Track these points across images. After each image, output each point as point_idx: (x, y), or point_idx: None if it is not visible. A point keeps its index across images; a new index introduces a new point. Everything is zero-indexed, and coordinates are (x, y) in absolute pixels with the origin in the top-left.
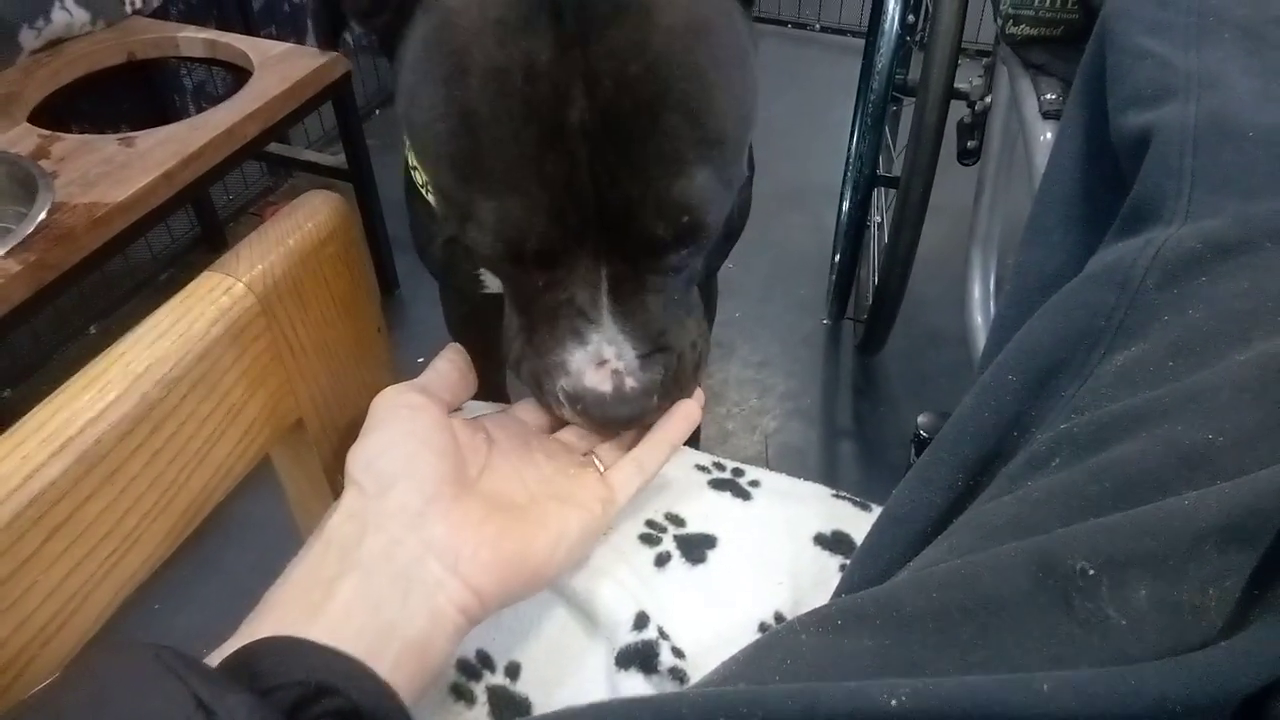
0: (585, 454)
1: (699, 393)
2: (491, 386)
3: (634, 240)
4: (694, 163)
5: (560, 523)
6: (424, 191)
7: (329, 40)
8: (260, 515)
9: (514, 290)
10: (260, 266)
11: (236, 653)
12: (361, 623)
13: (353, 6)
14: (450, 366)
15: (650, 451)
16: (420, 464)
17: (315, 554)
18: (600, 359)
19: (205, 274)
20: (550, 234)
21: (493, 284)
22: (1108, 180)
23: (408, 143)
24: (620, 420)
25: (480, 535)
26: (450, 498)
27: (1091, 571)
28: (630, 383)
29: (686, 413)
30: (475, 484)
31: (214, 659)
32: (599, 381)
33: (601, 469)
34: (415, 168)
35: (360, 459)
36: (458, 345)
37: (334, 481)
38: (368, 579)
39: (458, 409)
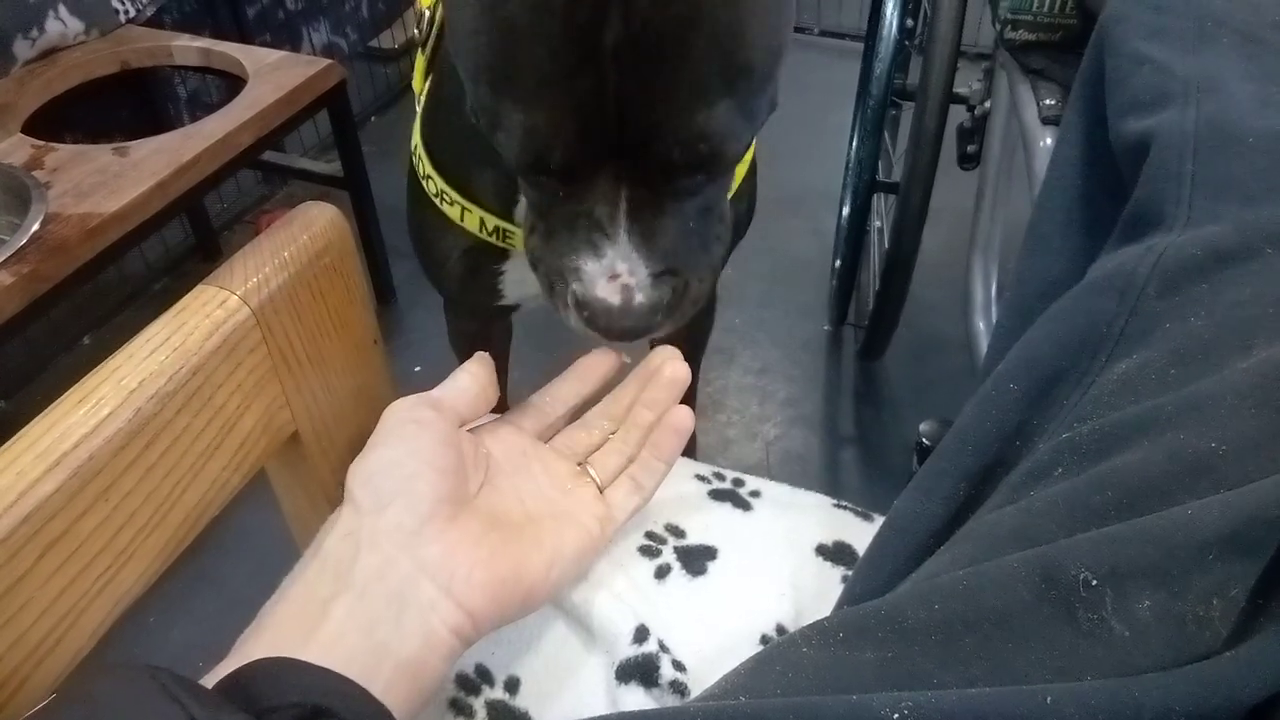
0: (580, 463)
1: (687, 411)
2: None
3: (652, 164)
4: (717, 92)
5: (556, 542)
6: (437, 200)
7: None
8: (255, 527)
9: (536, 195)
10: (255, 279)
11: (232, 674)
12: (355, 644)
13: None
14: (471, 380)
15: (646, 471)
16: (419, 483)
17: (311, 572)
18: (613, 272)
19: (199, 287)
20: (573, 150)
21: (511, 294)
22: (1108, 186)
23: (419, 151)
24: (623, 332)
25: (475, 556)
26: (446, 517)
27: (1095, 582)
28: (639, 298)
29: (678, 427)
30: (473, 501)
31: (210, 678)
32: (609, 293)
33: (597, 479)
34: (428, 176)
35: (360, 474)
36: (484, 357)
37: (330, 494)
38: (361, 600)
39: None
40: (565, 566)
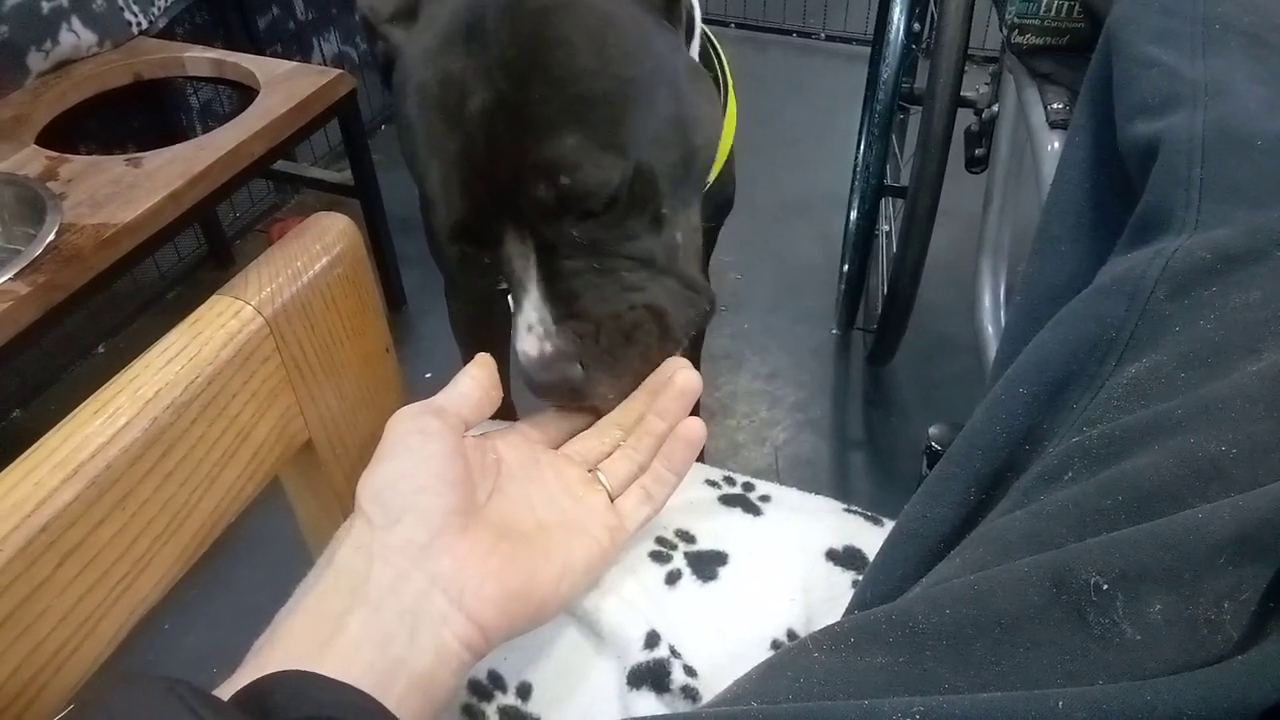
0: (590, 470)
1: (699, 423)
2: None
3: (533, 210)
4: (562, 126)
5: (566, 554)
6: None
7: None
8: (269, 534)
9: (464, 275)
10: (269, 289)
11: (248, 686)
12: (370, 658)
13: (380, 70)
14: (473, 384)
15: (657, 482)
16: (428, 496)
17: (324, 585)
18: (529, 324)
19: (214, 297)
20: (466, 207)
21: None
22: (1116, 189)
23: None
24: (547, 387)
25: (486, 568)
26: (457, 529)
27: (1106, 586)
28: (547, 346)
29: (689, 438)
30: (483, 511)
31: (224, 689)
32: (529, 345)
33: (608, 487)
34: None
35: (369, 489)
36: (485, 358)
37: (344, 501)
38: (376, 614)
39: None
40: (576, 578)
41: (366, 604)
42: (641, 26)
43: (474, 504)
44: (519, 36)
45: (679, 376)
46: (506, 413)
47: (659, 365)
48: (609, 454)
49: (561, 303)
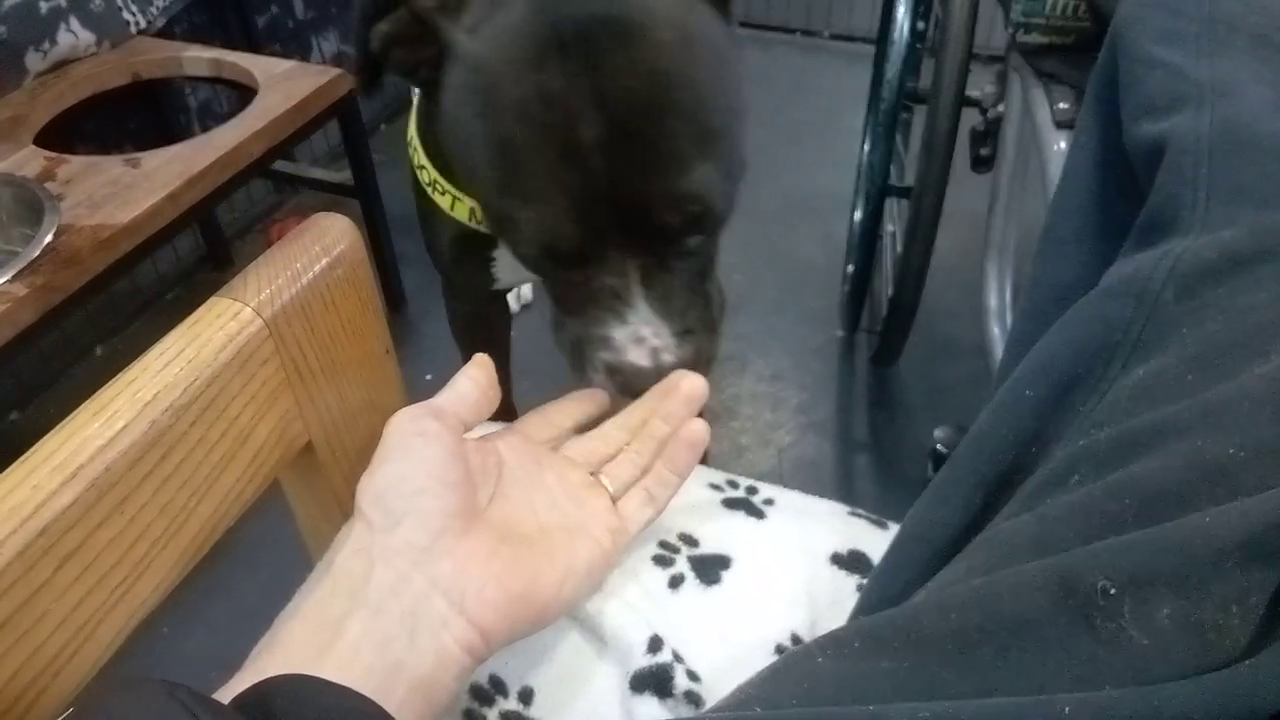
0: (594, 472)
1: (703, 425)
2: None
3: (652, 232)
4: (695, 159)
5: (568, 557)
6: (429, 190)
7: (368, 87)
8: (269, 537)
9: (550, 282)
10: (268, 291)
11: (249, 690)
12: (370, 661)
13: (396, 66)
14: (471, 385)
15: (659, 484)
16: (429, 499)
17: (324, 588)
18: (637, 336)
19: (213, 299)
20: (577, 236)
21: (504, 278)
22: (1122, 190)
23: (414, 143)
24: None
25: (487, 571)
26: (458, 532)
27: (1113, 590)
28: (667, 358)
29: (692, 441)
30: (485, 513)
31: (223, 693)
32: (640, 357)
33: (610, 489)
34: (422, 167)
35: (369, 492)
36: (483, 359)
37: (344, 504)
38: (376, 617)
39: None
40: (578, 581)
41: (366, 606)
42: (730, 46)
43: (475, 506)
44: (638, 68)
45: (684, 382)
46: (506, 414)
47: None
48: (612, 457)
49: (674, 315)
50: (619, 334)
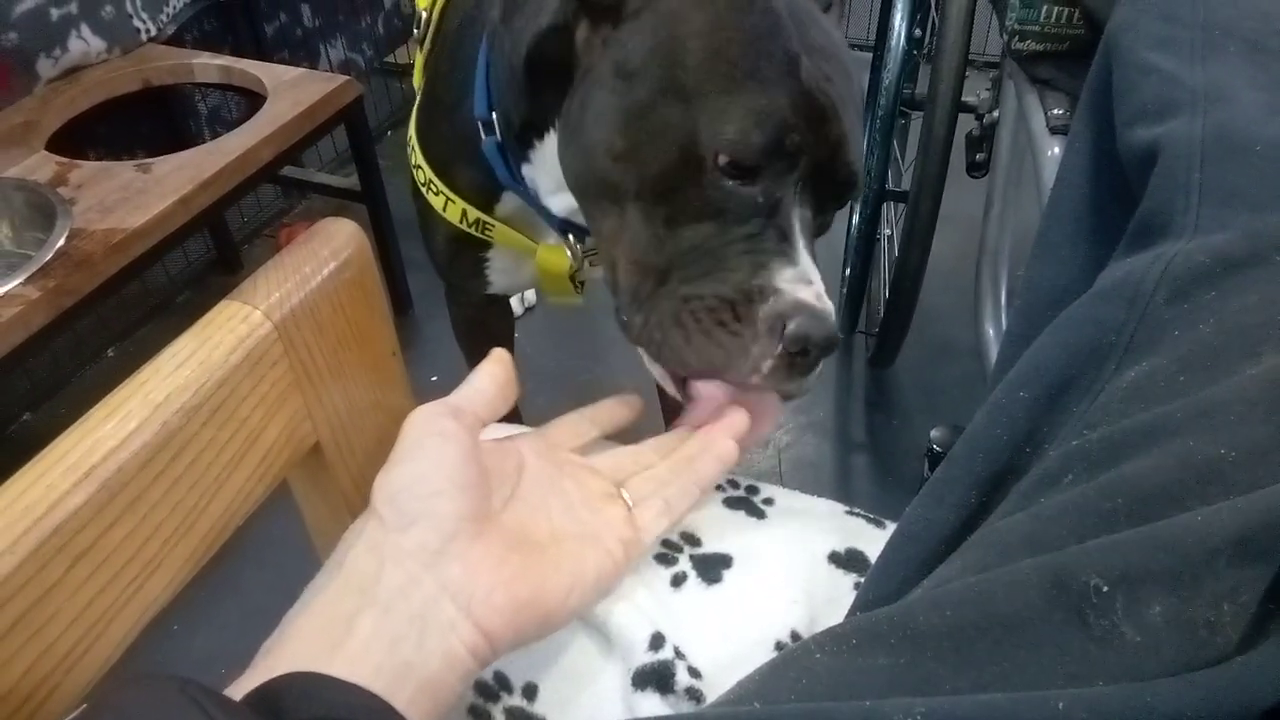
0: (616, 485)
1: (734, 445)
2: None
3: (828, 177)
4: (860, 125)
5: (578, 566)
6: (424, 190)
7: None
8: (276, 536)
9: (688, 219)
10: (278, 294)
11: (260, 687)
12: (379, 661)
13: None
14: (490, 381)
15: (679, 494)
16: (443, 501)
17: (335, 585)
18: (808, 278)
19: (223, 303)
20: (807, 137)
21: (497, 284)
22: (1116, 195)
23: (413, 142)
24: (832, 338)
25: (496, 577)
26: (470, 535)
27: (1105, 588)
28: (829, 304)
29: (720, 453)
30: (499, 516)
31: (233, 689)
32: (810, 296)
33: (629, 500)
34: (418, 166)
35: (384, 490)
36: (502, 354)
37: (351, 503)
38: (386, 616)
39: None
40: (585, 591)
41: (376, 605)
42: None
43: (488, 509)
44: (833, 42)
45: (721, 446)
46: (512, 417)
47: None
48: (637, 474)
49: (817, 272)
50: (790, 273)
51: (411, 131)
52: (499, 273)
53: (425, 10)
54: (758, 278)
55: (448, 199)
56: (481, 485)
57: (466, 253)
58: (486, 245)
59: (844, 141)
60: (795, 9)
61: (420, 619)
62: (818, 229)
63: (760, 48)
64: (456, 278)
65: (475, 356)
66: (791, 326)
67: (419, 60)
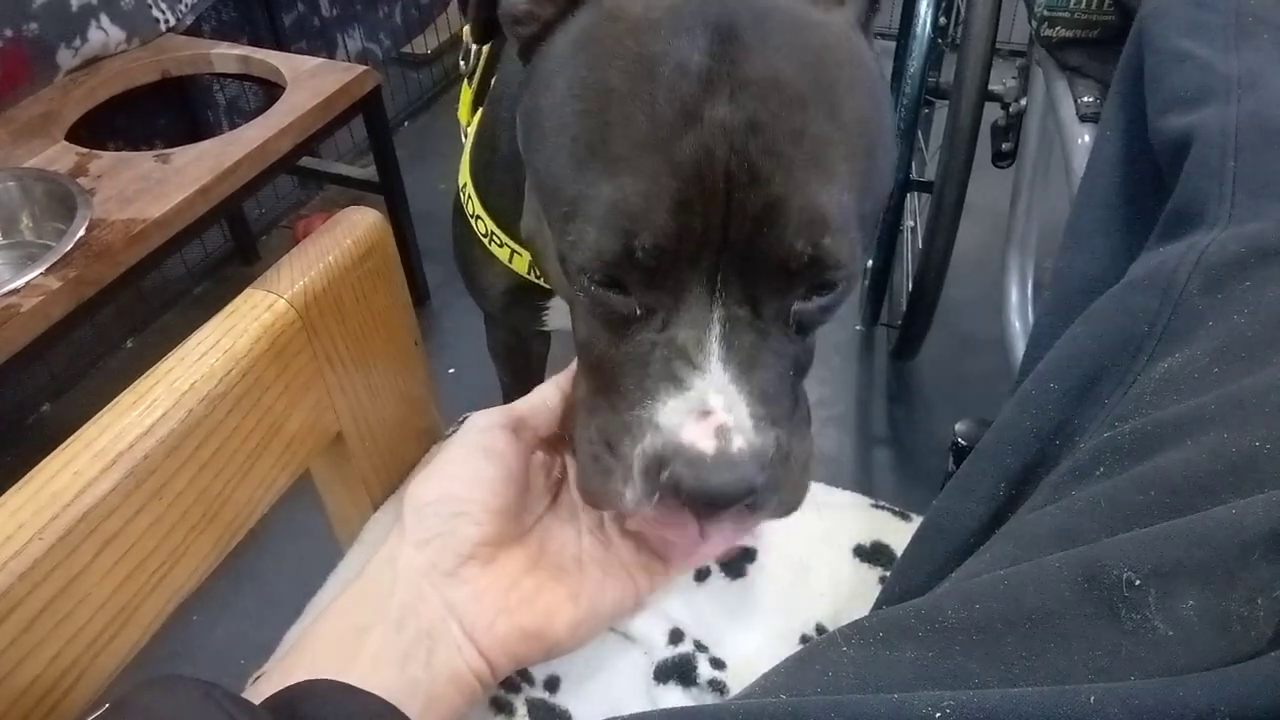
0: None
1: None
2: None
3: (763, 261)
4: (841, 176)
5: (595, 600)
6: (486, 241)
7: (483, 35)
8: (296, 527)
9: (595, 327)
10: (301, 283)
11: (281, 692)
12: (389, 676)
13: (508, 14)
14: (558, 393)
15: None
16: (465, 523)
17: (353, 592)
18: (704, 408)
19: (248, 291)
20: (669, 231)
21: (553, 324)
22: (1148, 183)
23: (469, 190)
24: (719, 493)
25: (504, 603)
26: (484, 560)
27: (1138, 582)
28: (739, 442)
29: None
30: (526, 535)
31: (250, 689)
32: (698, 437)
33: None
34: (477, 216)
35: (415, 499)
36: (569, 371)
37: (372, 493)
38: (397, 632)
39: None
40: (598, 623)
41: (387, 621)
42: (881, 78)
43: (514, 531)
44: (805, 65)
45: None
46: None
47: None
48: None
49: (756, 390)
50: (672, 405)
51: (465, 178)
52: (558, 314)
53: (469, 41)
54: (639, 410)
55: (514, 251)
56: (514, 507)
57: (525, 300)
58: (549, 293)
59: (775, 210)
60: (735, 23)
61: (429, 637)
62: (794, 322)
63: (628, 113)
64: (510, 320)
65: (515, 377)
66: (665, 475)
67: (466, 96)
